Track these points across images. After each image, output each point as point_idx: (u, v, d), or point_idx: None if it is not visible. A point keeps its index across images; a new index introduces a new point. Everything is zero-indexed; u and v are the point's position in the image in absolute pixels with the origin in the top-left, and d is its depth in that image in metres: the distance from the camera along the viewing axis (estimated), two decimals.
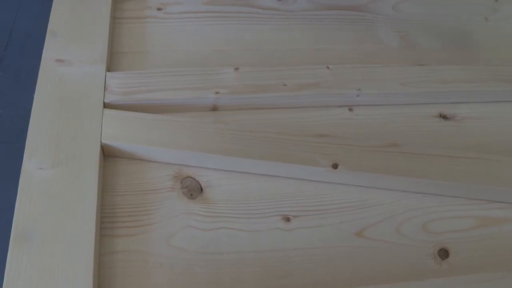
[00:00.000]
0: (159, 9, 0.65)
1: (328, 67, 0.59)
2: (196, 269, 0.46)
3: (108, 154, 0.51)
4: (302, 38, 0.65)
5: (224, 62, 0.61)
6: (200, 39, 0.63)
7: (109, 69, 0.57)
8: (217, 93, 0.55)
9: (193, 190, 0.51)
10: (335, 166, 0.51)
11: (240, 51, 0.63)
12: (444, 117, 0.61)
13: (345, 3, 0.70)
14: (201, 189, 0.51)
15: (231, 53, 0.62)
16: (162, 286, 0.45)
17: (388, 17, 0.69)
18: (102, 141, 0.50)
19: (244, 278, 0.46)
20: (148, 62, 0.60)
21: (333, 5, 0.69)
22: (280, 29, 0.66)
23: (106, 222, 0.48)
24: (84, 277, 0.42)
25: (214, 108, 0.56)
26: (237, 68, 0.57)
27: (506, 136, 0.60)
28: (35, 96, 0.52)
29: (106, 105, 0.53)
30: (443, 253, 0.50)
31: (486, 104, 0.63)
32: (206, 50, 0.62)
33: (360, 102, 0.59)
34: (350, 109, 0.59)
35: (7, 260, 0.42)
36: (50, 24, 0.58)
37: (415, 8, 0.71)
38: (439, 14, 0.71)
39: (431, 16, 0.71)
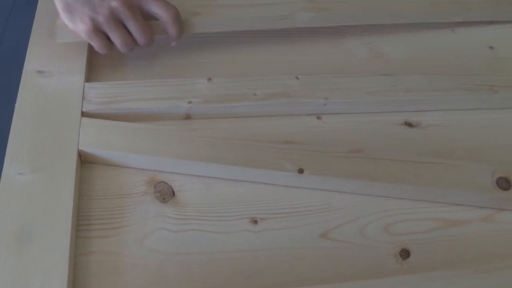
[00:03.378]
0: None
1: (297, 77, 0.62)
2: (168, 269, 0.49)
3: (85, 160, 0.54)
4: (274, 50, 0.68)
5: (200, 73, 0.63)
6: (178, 52, 0.66)
7: (88, 80, 0.59)
8: (189, 102, 0.57)
9: (166, 194, 0.53)
10: (300, 171, 0.53)
11: (216, 63, 0.66)
12: (409, 124, 0.63)
13: None
14: (173, 193, 0.53)
15: (206, 66, 0.65)
16: (136, 285, 0.48)
17: (357, 30, 0.72)
18: (79, 148, 0.52)
19: (214, 278, 0.49)
20: (126, 74, 0.63)
21: None
22: (253, 42, 0.69)
23: (82, 224, 0.50)
24: (60, 276, 0.45)
25: (187, 117, 0.59)
26: (209, 79, 0.60)
27: (469, 143, 0.63)
28: (16, 105, 0.55)
29: (84, 114, 0.55)
30: (404, 253, 0.53)
31: (450, 112, 0.65)
32: (183, 63, 0.65)
33: (328, 110, 0.62)
34: (318, 118, 0.61)
35: None
36: (32, 36, 0.61)
37: None
38: (406, 26, 0.74)
39: (398, 28, 0.74)
